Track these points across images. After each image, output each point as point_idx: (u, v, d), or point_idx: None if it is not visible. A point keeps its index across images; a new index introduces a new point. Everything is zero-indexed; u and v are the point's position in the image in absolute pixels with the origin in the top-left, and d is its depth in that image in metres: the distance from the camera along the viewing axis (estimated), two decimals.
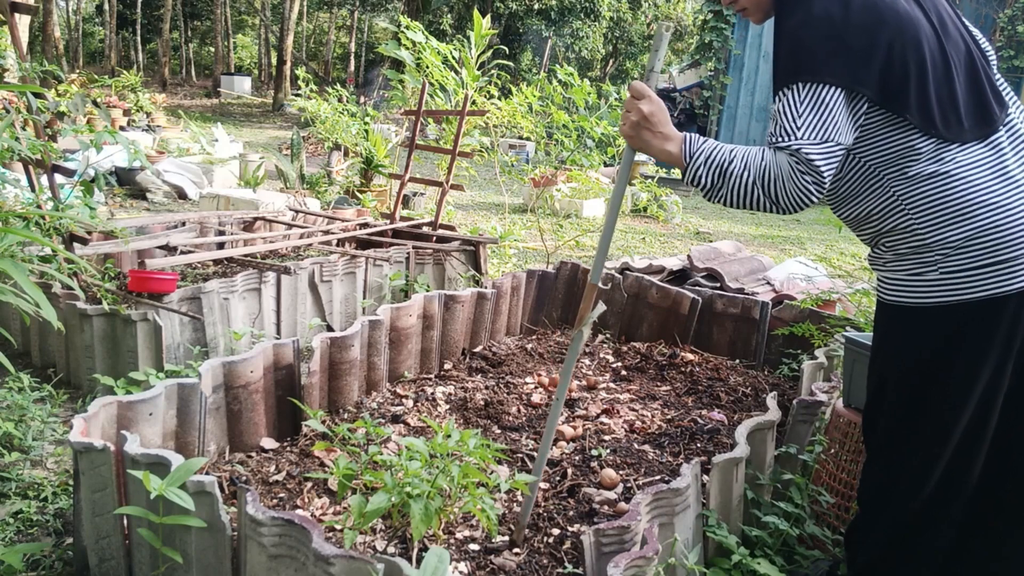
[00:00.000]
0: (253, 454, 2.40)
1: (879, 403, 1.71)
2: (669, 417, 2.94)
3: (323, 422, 2.62)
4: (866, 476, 1.77)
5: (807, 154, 1.44)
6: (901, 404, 1.64)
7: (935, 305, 1.53)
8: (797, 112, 1.45)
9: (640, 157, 11.73)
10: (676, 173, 13.48)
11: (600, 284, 1.82)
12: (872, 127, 1.52)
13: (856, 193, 1.62)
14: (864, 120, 1.51)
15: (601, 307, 1.81)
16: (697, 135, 1.59)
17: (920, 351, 1.58)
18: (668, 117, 1.62)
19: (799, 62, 1.46)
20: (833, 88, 1.44)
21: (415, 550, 1.85)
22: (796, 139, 1.44)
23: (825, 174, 1.45)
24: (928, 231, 1.52)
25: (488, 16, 6.82)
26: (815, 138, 1.44)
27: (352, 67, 31.80)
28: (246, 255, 3.96)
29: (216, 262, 4.31)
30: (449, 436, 1.85)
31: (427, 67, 6.31)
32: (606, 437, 2.71)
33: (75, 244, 3.31)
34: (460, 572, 1.82)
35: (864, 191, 1.60)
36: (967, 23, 1.60)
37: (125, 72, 15.07)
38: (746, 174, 1.49)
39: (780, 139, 1.47)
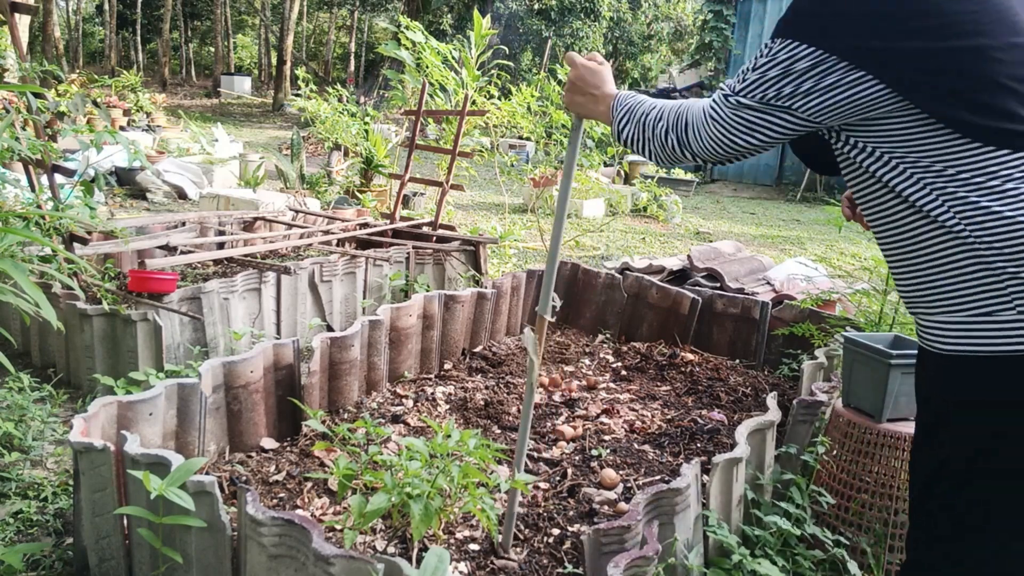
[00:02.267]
0: (253, 454, 2.40)
1: (933, 498, 1.34)
2: (669, 417, 2.94)
3: (323, 422, 2.62)
4: None
5: (723, 90, 1.33)
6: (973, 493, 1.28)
7: (1013, 353, 1.19)
8: (752, 64, 1.30)
9: (640, 157, 11.74)
10: (677, 173, 13.52)
11: (548, 317, 1.82)
12: (907, 122, 1.23)
13: (895, 213, 1.31)
14: (899, 115, 1.23)
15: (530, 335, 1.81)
16: (631, 92, 1.54)
17: (1002, 413, 1.22)
18: (602, 79, 1.57)
19: (789, 19, 1.27)
20: (813, 53, 1.22)
21: (415, 550, 1.85)
22: (734, 83, 1.33)
23: (739, 130, 1.31)
24: (996, 257, 1.20)
25: (488, 16, 6.82)
26: (752, 83, 1.29)
27: (352, 67, 31.80)
28: (246, 255, 3.96)
29: (216, 262, 4.31)
30: (449, 436, 1.85)
31: (427, 67, 6.31)
32: (606, 437, 2.71)
33: (75, 244, 3.31)
34: (460, 572, 1.82)
35: (900, 204, 1.29)
36: None
37: (125, 72, 15.07)
38: (661, 123, 1.42)
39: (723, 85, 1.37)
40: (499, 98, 6.45)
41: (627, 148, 1.51)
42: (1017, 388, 1.19)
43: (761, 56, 1.29)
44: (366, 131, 7.32)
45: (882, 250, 1.40)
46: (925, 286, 1.30)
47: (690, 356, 3.70)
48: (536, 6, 23.68)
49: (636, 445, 2.64)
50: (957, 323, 1.25)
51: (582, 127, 1.76)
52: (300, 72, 9.62)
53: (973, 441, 1.25)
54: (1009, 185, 1.18)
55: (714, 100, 1.36)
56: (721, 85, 1.38)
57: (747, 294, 4.36)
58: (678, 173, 13.55)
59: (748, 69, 1.31)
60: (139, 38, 30.13)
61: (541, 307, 1.80)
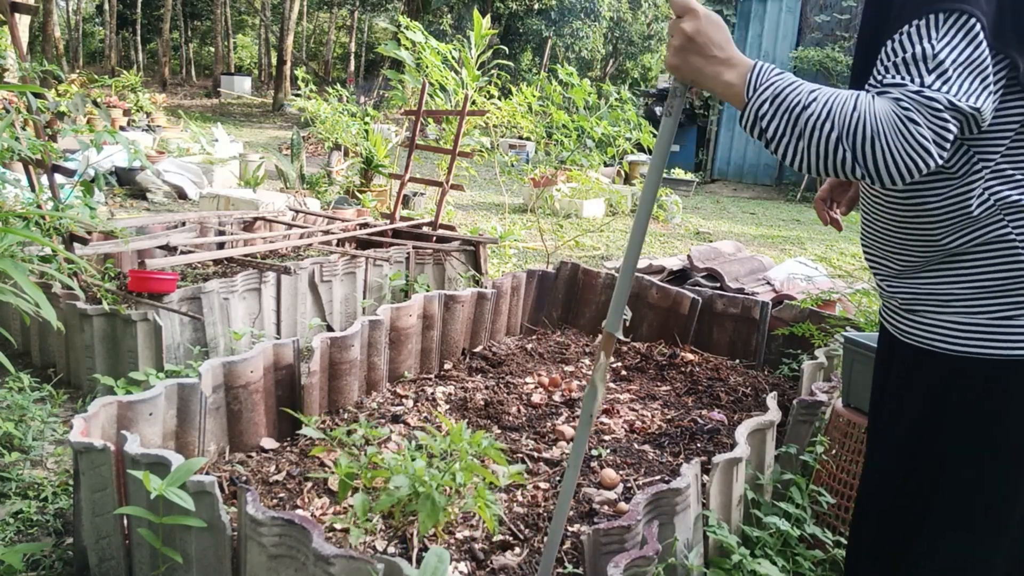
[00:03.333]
0: (253, 454, 2.40)
1: (922, 494, 1.33)
2: (669, 417, 2.94)
3: (323, 422, 2.62)
4: None
5: (932, 97, 1.02)
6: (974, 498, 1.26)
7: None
8: (932, 50, 1.04)
9: (640, 157, 11.74)
10: (676, 173, 13.51)
11: (618, 334, 1.43)
12: (1005, 115, 1.14)
13: (937, 188, 1.20)
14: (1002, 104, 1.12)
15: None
16: (772, 65, 1.15)
17: (1005, 417, 1.21)
18: (728, 37, 1.17)
19: None
20: (983, 33, 1.04)
21: (415, 550, 1.85)
22: (919, 79, 1.04)
23: (952, 131, 1.03)
24: None
25: (488, 16, 6.82)
26: (955, 82, 1.03)
27: (352, 67, 31.79)
28: (246, 255, 3.96)
29: (216, 262, 4.31)
30: (460, 434, 1.85)
31: (427, 67, 6.31)
32: (606, 437, 2.71)
33: (75, 244, 3.31)
34: (460, 572, 1.82)
35: (950, 187, 1.19)
36: None
37: (125, 72, 15.07)
38: (827, 125, 1.05)
39: (892, 77, 1.06)
40: (499, 98, 6.45)
41: (761, 142, 1.14)
42: None
43: (936, 39, 1.05)
44: (366, 131, 7.32)
45: (896, 250, 1.30)
46: (944, 283, 1.23)
47: (690, 356, 3.70)
48: (536, 6, 23.67)
49: (636, 445, 2.64)
50: (972, 324, 1.20)
51: (684, 99, 1.32)
52: (300, 72, 9.63)
53: (978, 442, 1.23)
54: None
55: (903, 101, 1.04)
56: (889, 78, 1.07)
57: (747, 294, 4.36)
58: (678, 173, 13.54)
59: (923, 57, 1.05)
60: (139, 38, 30.13)
61: (610, 323, 1.43)
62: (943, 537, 1.29)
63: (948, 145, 1.04)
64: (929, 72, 1.04)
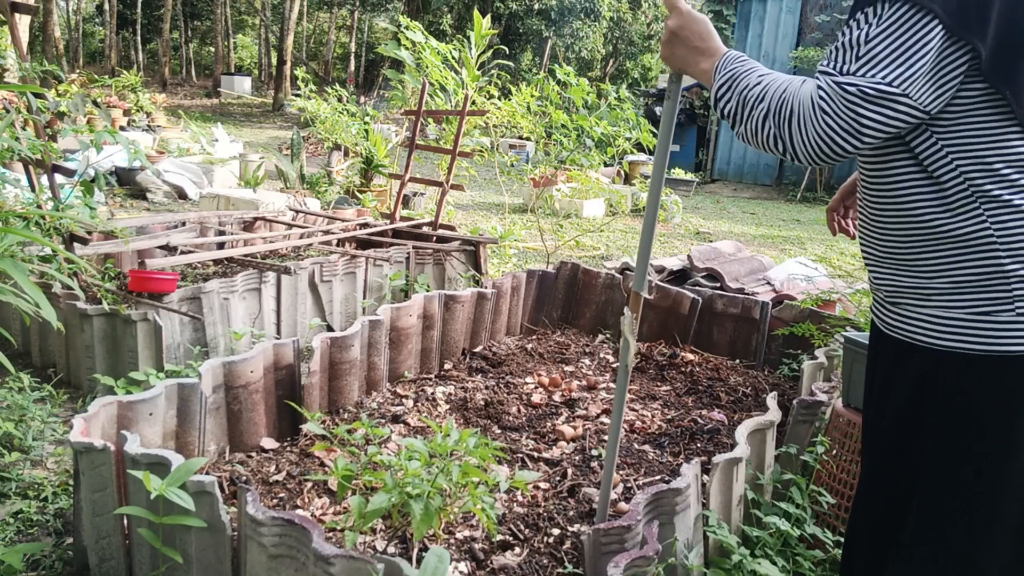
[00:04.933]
0: (253, 454, 2.40)
1: (903, 475, 1.35)
2: (669, 417, 2.94)
3: (323, 422, 2.62)
4: None
5: (847, 86, 1.10)
6: (951, 487, 1.26)
7: (1008, 354, 1.18)
8: (865, 36, 1.11)
9: (640, 157, 11.74)
10: (676, 173, 13.51)
11: (645, 294, 1.74)
12: (970, 106, 1.16)
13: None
14: (964, 95, 1.15)
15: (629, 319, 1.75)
16: (740, 54, 1.29)
17: (982, 412, 1.23)
18: (708, 29, 1.35)
19: None
20: (933, 22, 1.08)
21: (415, 550, 1.85)
22: (845, 65, 1.12)
23: (869, 126, 1.10)
24: (1010, 260, 1.17)
25: (488, 16, 6.82)
26: (878, 72, 1.09)
27: (352, 67, 31.79)
28: (246, 255, 3.96)
29: (216, 262, 4.31)
30: (448, 435, 1.85)
31: (427, 67, 6.31)
32: (606, 437, 2.71)
33: (75, 244, 3.31)
34: (460, 572, 1.82)
35: (913, 166, 1.24)
36: None
37: (125, 72, 15.06)
38: (762, 104, 1.19)
39: (825, 63, 1.15)
40: (499, 98, 6.45)
41: (727, 121, 1.29)
42: (1005, 387, 1.19)
43: (871, 27, 1.11)
44: (366, 131, 7.32)
45: (882, 239, 1.32)
46: (927, 278, 1.25)
47: (690, 356, 3.70)
48: (536, 6, 23.67)
49: (636, 445, 2.64)
50: (952, 319, 1.22)
51: (682, 85, 1.58)
52: (300, 72, 9.62)
53: (956, 436, 1.25)
54: None
55: (822, 87, 1.13)
56: (822, 65, 1.16)
57: (747, 294, 4.36)
58: (678, 173, 13.54)
59: (857, 42, 1.12)
60: (139, 38, 30.11)
61: (636, 284, 1.71)
62: (926, 531, 1.31)
63: (872, 129, 1.10)
64: (857, 58, 1.11)
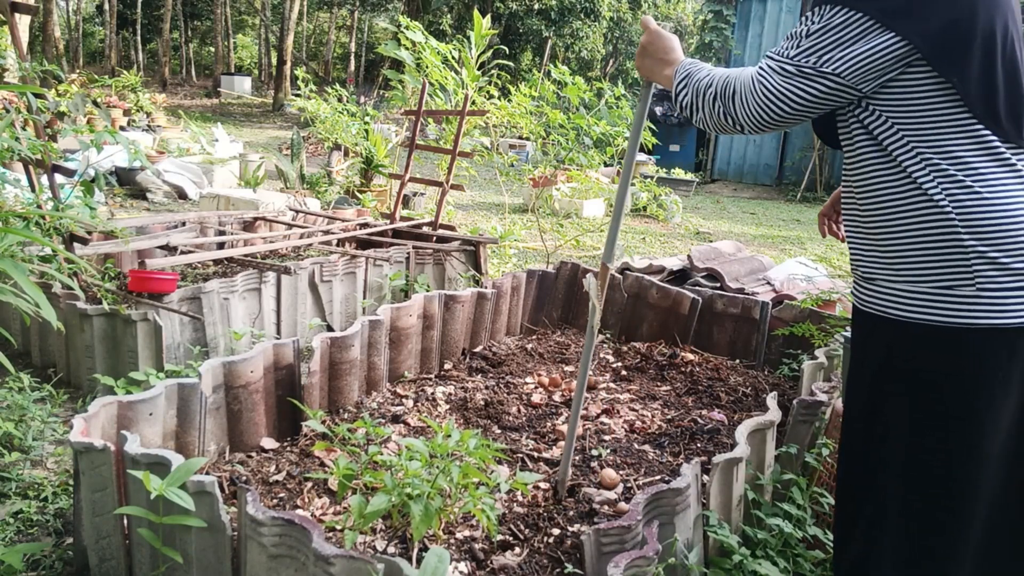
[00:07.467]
0: (253, 454, 2.40)
1: (872, 446, 1.43)
2: (669, 417, 2.94)
3: (323, 422, 2.62)
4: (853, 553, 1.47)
5: (783, 62, 1.34)
6: (914, 452, 1.34)
7: (967, 326, 1.27)
8: (807, 31, 1.34)
9: (640, 157, 11.74)
10: (677, 173, 13.51)
11: (611, 266, 1.98)
12: (916, 91, 1.30)
13: (885, 181, 1.36)
14: (909, 80, 1.31)
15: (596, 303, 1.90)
16: (695, 60, 1.58)
17: (943, 384, 1.31)
18: (672, 45, 1.64)
19: None
20: (866, 19, 1.27)
21: (415, 550, 1.85)
22: (787, 50, 1.35)
23: (800, 95, 1.32)
24: (968, 237, 1.27)
25: (488, 16, 6.82)
26: (811, 56, 1.31)
27: (352, 67, 31.79)
28: (246, 255, 3.96)
29: (216, 262, 4.31)
30: (449, 436, 1.85)
31: (427, 67, 6.31)
32: (606, 437, 2.71)
33: (75, 244, 3.31)
34: (460, 572, 1.82)
35: (895, 176, 1.35)
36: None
37: (125, 72, 15.06)
38: (711, 89, 1.44)
39: (773, 49, 1.39)
40: (499, 98, 6.45)
41: (686, 113, 1.54)
42: (965, 356, 1.28)
43: (814, 23, 1.33)
44: (366, 131, 7.32)
45: (858, 219, 1.44)
46: (895, 254, 1.36)
47: (690, 356, 3.70)
48: (536, 6, 23.67)
49: (636, 445, 2.64)
50: (918, 293, 1.32)
51: (651, 90, 1.88)
52: (300, 72, 9.63)
53: (918, 403, 1.33)
54: (993, 168, 1.28)
55: (763, 68, 1.37)
56: (769, 53, 1.39)
57: (747, 294, 4.36)
58: (678, 173, 13.55)
59: (800, 35, 1.34)
60: (139, 38, 30.11)
61: (606, 255, 1.96)
62: (893, 501, 1.36)
63: (801, 98, 1.32)
64: (798, 45, 1.33)
